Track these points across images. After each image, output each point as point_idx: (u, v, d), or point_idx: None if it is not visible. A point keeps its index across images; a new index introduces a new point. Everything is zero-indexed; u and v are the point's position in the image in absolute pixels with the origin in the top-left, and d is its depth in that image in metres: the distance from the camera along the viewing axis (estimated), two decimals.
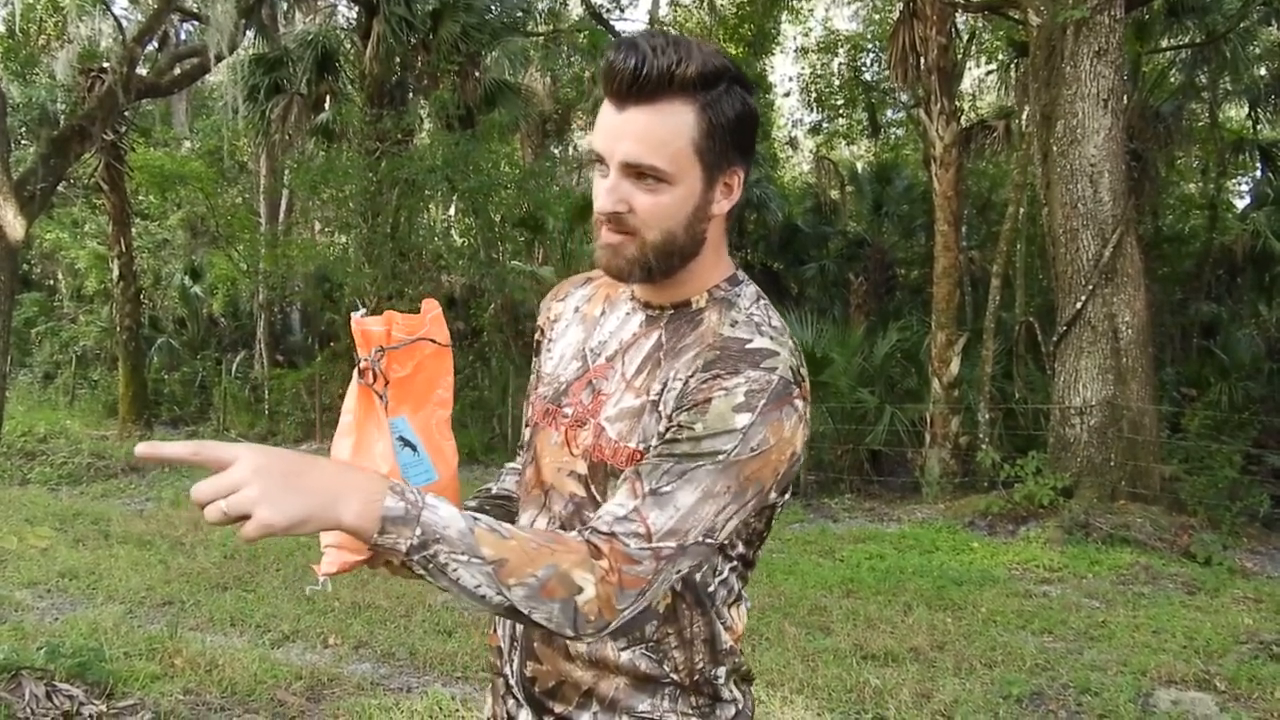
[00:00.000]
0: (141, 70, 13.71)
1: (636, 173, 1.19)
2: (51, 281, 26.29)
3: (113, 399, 16.92)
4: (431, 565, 1.05)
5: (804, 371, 1.22)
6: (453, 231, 19.36)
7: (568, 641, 1.25)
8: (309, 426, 15.24)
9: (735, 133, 1.22)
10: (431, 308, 1.32)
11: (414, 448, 1.28)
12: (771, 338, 1.22)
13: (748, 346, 1.20)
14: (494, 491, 1.53)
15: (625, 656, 1.26)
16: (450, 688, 4.47)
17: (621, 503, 1.15)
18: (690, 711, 1.28)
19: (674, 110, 1.18)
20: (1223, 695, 4.61)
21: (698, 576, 1.27)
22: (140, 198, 19.76)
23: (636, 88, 1.17)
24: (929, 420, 11.24)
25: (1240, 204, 18.96)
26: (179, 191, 18.87)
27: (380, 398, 1.23)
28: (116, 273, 15.57)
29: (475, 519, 1.09)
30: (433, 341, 1.30)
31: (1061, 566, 7.33)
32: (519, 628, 1.32)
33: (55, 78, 16.75)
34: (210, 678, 4.37)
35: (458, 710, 4.13)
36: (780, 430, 1.16)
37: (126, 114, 14.44)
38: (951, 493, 10.44)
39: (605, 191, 1.21)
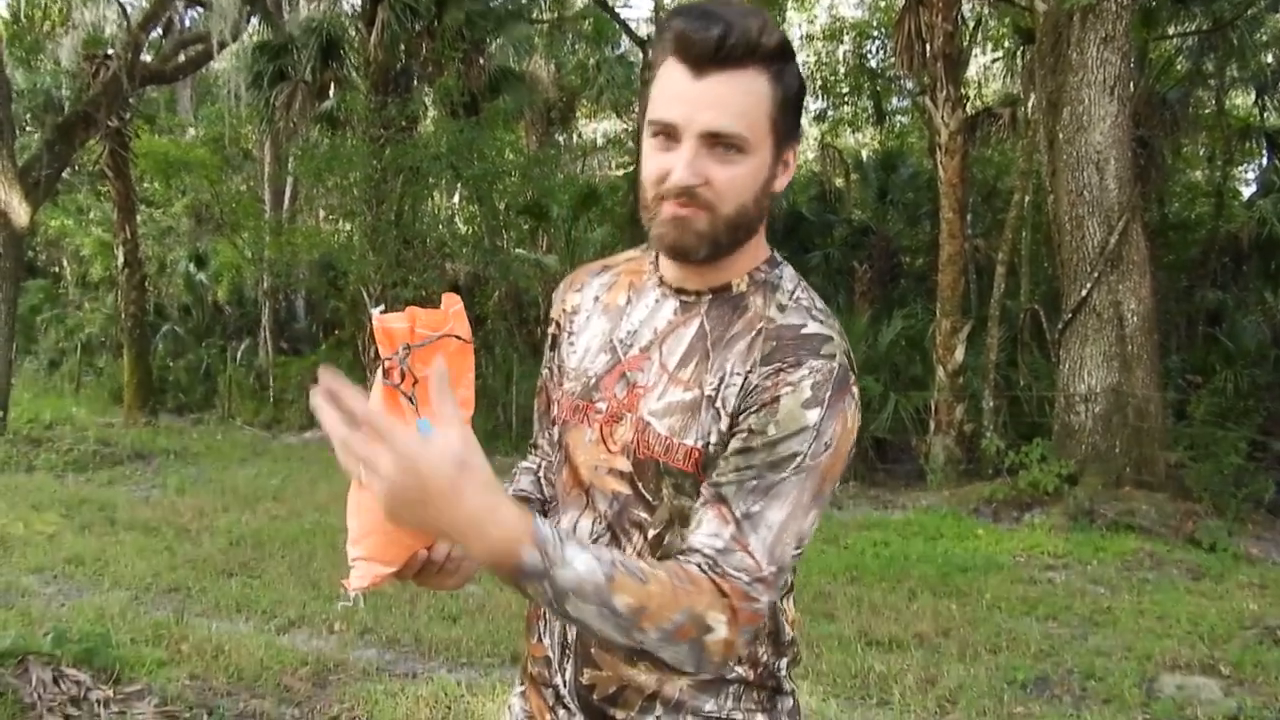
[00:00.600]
0: (146, 57, 13.72)
1: (715, 143, 1.15)
2: (56, 268, 26.34)
3: (118, 386, 16.95)
4: (560, 611, 1.04)
5: (852, 354, 1.21)
6: (457, 219, 19.37)
7: None
8: (313, 414, 15.24)
9: (798, 106, 1.21)
10: (453, 302, 1.23)
11: None
12: (822, 322, 1.20)
13: (803, 332, 1.18)
14: (511, 493, 1.44)
15: None
16: (455, 673, 4.49)
17: (716, 532, 1.12)
18: (754, 707, 1.27)
19: (754, 79, 1.15)
20: (1227, 680, 4.62)
21: None
22: (145, 185, 19.76)
23: (722, 55, 1.12)
24: (934, 408, 11.23)
25: (1247, 191, 18.90)
26: (184, 178, 18.88)
27: (409, 399, 1.16)
28: (122, 260, 15.59)
29: (614, 565, 1.05)
30: (457, 338, 1.22)
31: (1066, 553, 7.34)
32: (570, 635, 1.27)
33: (60, 64, 16.75)
34: (216, 663, 4.39)
35: (463, 695, 4.15)
36: (845, 420, 1.15)
37: (131, 101, 14.43)
38: (956, 480, 10.44)
39: (684, 164, 1.14)
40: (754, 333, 1.20)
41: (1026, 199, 12.21)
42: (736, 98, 1.14)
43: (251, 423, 15.41)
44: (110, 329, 19.89)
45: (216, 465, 10.94)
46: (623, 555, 1.11)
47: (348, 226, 18.19)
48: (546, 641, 1.32)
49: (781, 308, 1.22)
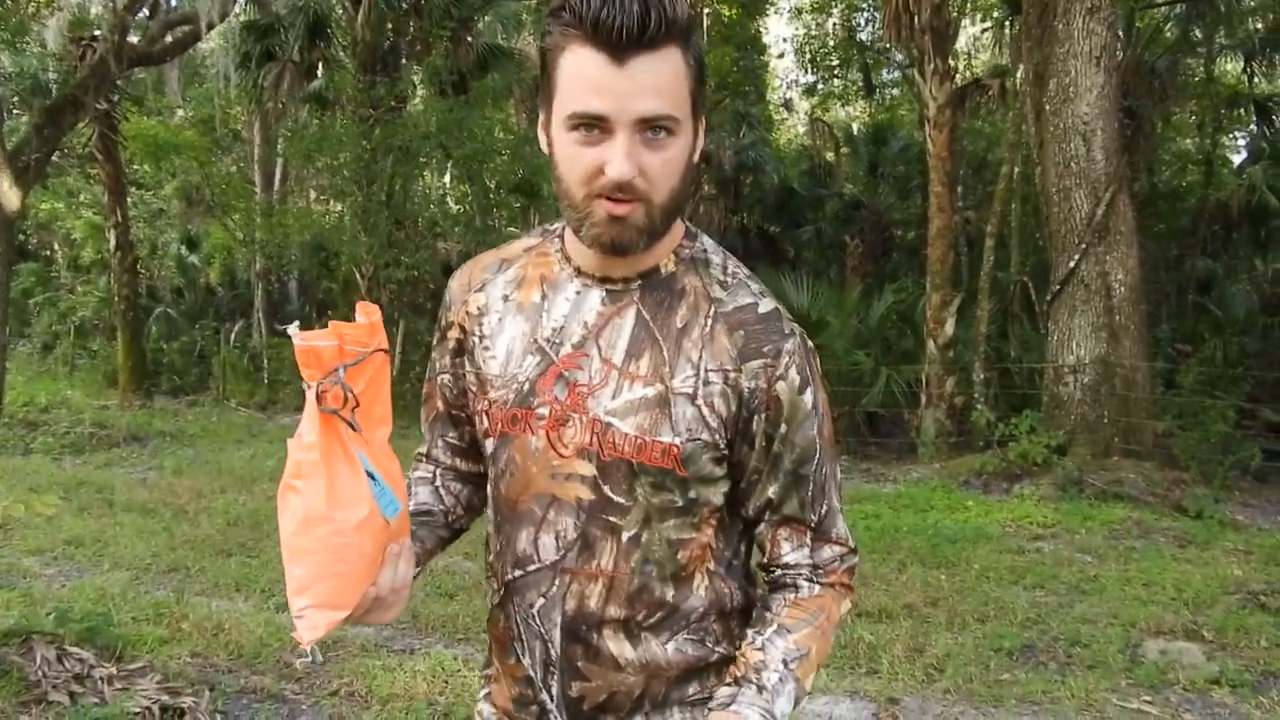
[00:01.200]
0: (133, 38, 13.64)
1: (644, 128, 1.08)
2: (48, 252, 26.27)
3: (112, 369, 16.97)
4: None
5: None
6: (448, 199, 19.34)
7: (614, 653, 1.22)
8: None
9: (705, 75, 1.16)
10: (372, 311, 1.10)
11: (374, 477, 1.08)
12: (760, 292, 1.22)
13: (760, 313, 1.20)
14: (412, 508, 1.33)
15: (672, 649, 1.24)
16: (452, 649, 4.57)
17: (802, 544, 1.27)
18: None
19: (673, 55, 1.09)
20: (1210, 645, 4.71)
21: (729, 550, 1.28)
22: (134, 167, 19.69)
23: (645, 37, 1.05)
24: (925, 381, 11.31)
25: (1237, 159, 18.92)
26: (173, 160, 18.80)
27: (351, 426, 1.06)
28: (114, 243, 15.57)
29: (788, 665, 1.21)
30: (383, 351, 1.11)
31: (1055, 523, 7.43)
32: (554, 653, 1.24)
33: (46, 46, 16.63)
34: (217, 641, 4.46)
35: (459, 670, 4.23)
36: (820, 378, 1.24)
37: (119, 83, 14.36)
38: (947, 452, 10.53)
39: (622, 156, 1.07)
40: (706, 318, 1.18)
41: (1016, 171, 12.23)
42: (664, 78, 1.08)
43: (246, 404, 15.43)
44: (103, 312, 19.87)
45: (212, 447, 10.99)
46: (785, 640, 1.22)
47: (339, 207, 18.16)
48: (527, 661, 1.27)
49: (723, 284, 1.21)
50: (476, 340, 1.28)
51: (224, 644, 4.42)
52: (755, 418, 1.18)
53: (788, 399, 1.18)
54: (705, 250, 1.24)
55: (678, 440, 1.16)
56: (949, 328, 11.26)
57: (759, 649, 1.21)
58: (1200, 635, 4.82)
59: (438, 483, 1.40)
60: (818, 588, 1.26)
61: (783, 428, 1.19)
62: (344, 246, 14.84)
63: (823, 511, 1.26)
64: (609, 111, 1.07)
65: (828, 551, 1.27)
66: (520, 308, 1.26)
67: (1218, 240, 16.96)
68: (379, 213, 14.36)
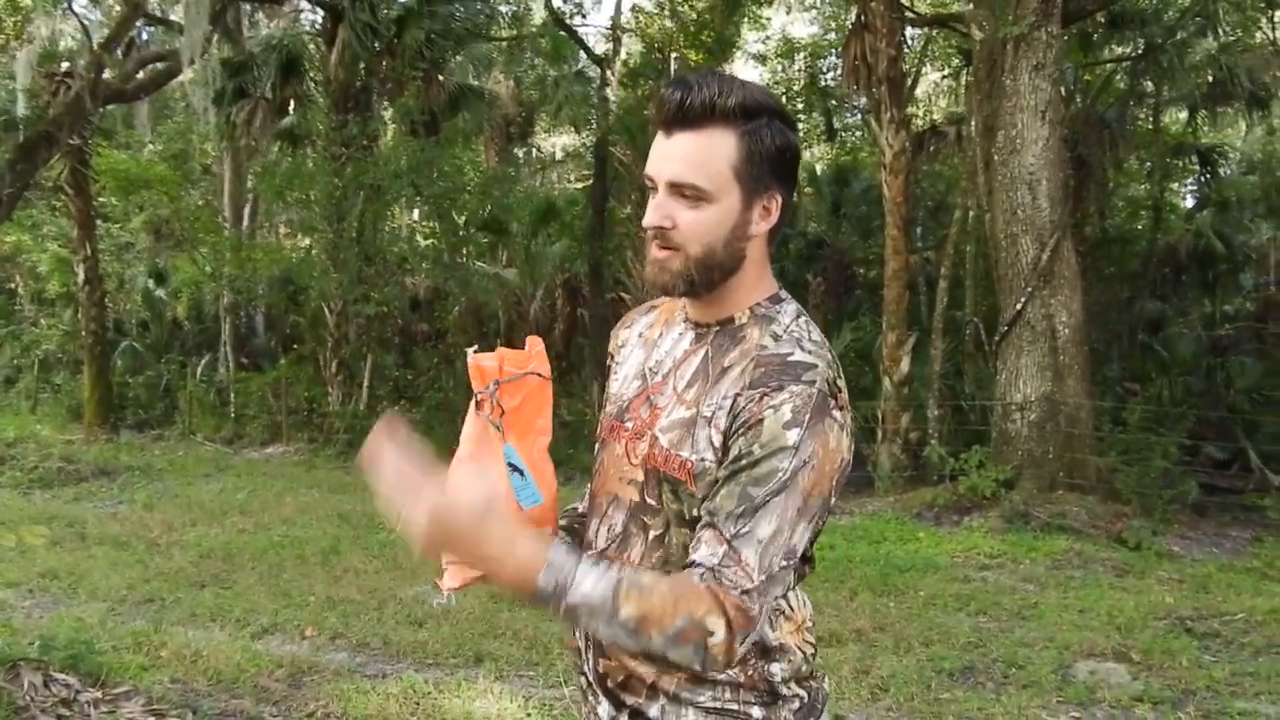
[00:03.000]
0: (106, 74, 13.84)
1: (681, 192, 1.33)
2: (11, 284, 26.10)
3: (76, 403, 16.94)
4: (573, 621, 1.27)
5: (841, 383, 1.33)
6: (417, 235, 19.55)
7: None
8: (275, 429, 15.39)
9: (774, 161, 1.36)
10: (536, 344, 1.43)
11: (521, 472, 1.39)
12: (810, 351, 1.33)
13: (789, 360, 1.32)
14: (580, 510, 1.61)
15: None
16: (423, 673, 4.77)
17: (713, 551, 1.25)
18: (753, 700, 1.38)
19: (716, 136, 1.32)
20: (1136, 665, 5.02)
21: None
22: (101, 200, 19.75)
23: (682, 115, 1.32)
24: (881, 417, 11.64)
25: (1188, 205, 19.57)
26: (142, 194, 18.88)
27: (496, 428, 1.37)
28: (82, 276, 15.61)
29: (620, 581, 1.23)
30: (539, 375, 1.42)
31: (1001, 553, 7.75)
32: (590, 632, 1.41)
33: (15, 79, 16.73)
34: (196, 667, 4.63)
35: (430, 693, 4.43)
36: (825, 442, 1.27)
37: (92, 119, 14.52)
38: (902, 486, 10.84)
39: (653, 208, 1.35)
40: (747, 360, 1.35)
41: (970, 215, 12.69)
42: (697, 152, 1.32)
43: (213, 438, 15.48)
44: (67, 345, 19.82)
45: (181, 480, 11.09)
46: (635, 572, 1.27)
47: (307, 242, 18.32)
48: (577, 634, 1.50)
49: (775, 337, 1.37)
50: (614, 366, 1.59)
51: (203, 670, 4.60)
52: (738, 436, 1.29)
53: (770, 427, 1.26)
54: (780, 311, 1.41)
55: (693, 457, 1.33)
56: (904, 365, 11.62)
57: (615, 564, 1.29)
58: (1128, 657, 5.13)
59: None
60: (703, 585, 1.24)
61: (755, 448, 1.26)
62: (314, 281, 15.00)
63: (745, 528, 1.24)
64: (652, 173, 1.37)
65: (731, 573, 1.24)
66: (645, 342, 1.54)
67: (1167, 283, 17.51)
68: (349, 249, 14.58)
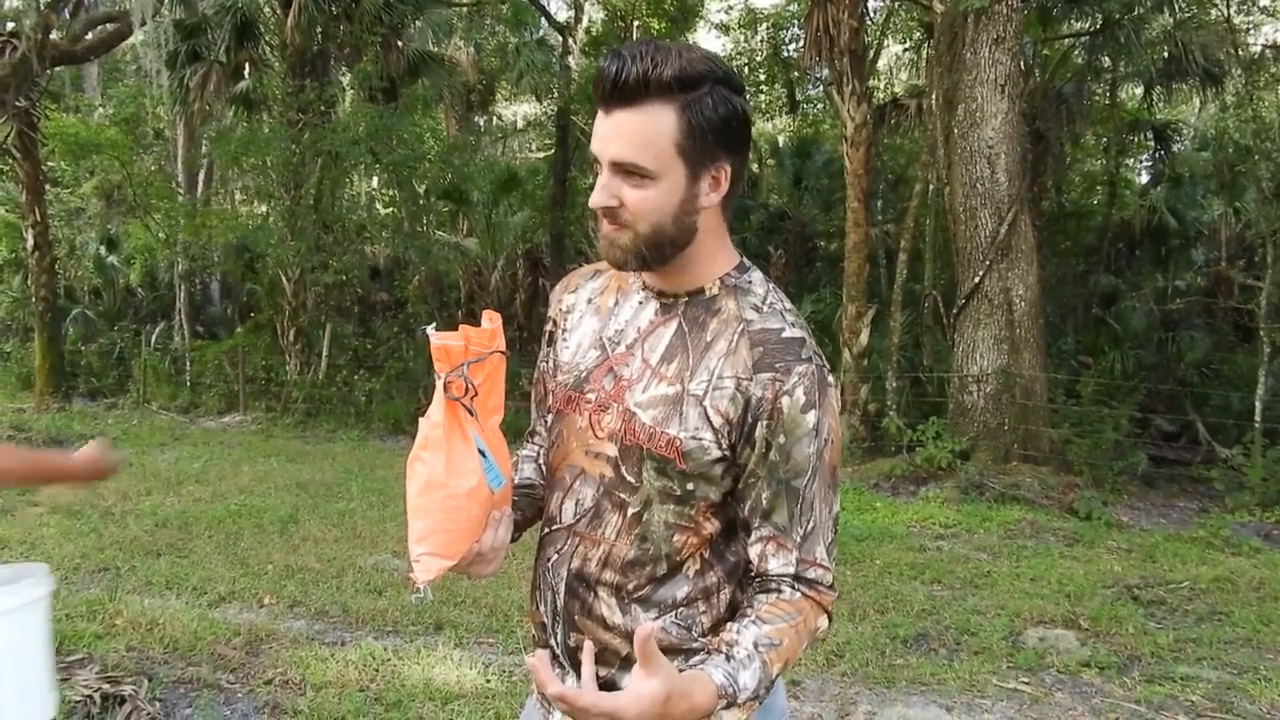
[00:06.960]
0: (54, 35, 13.49)
1: (624, 170, 1.30)
2: None
3: (27, 371, 16.62)
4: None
5: (820, 349, 1.37)
6: (377, 203, 19.35)
7: (604, 614, 1.40)
8: (232, 398, 15.20)
9: (719, 131, 1.31)
10: (495, 319, 1.38)
11: (484, 455, 1.36)
12: (793, 323, 1.36)
13: (784, 336, 1.34)
14: (518, 482, 1.58)
15: (658, 627, 1.36)
16: (382, 640, 4.77)
17: (787, 560, 1.34)
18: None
19: (655, 111, 1.27)
20: (1085, 632, 5.14)
21: (729, 551, 1.41)
22: (50, 164, 19.29)
23: (619, 92, 1.27)
24: (840, 389, 11.74)
25: (1143, 180, 19.81)
26: (93, 159, 18.48)
27: (470, 411, 1.33)
28: (31, 242, 15.24)
29: (765, 659, 1.28)
30: (501, 353, 1.38)
31: (956, 523, 7.88)
32: (560, 602, 1.44)
33: None
34: (152, 635, 4.61)
35: (389, 659, 4.44)
36: (834, 412, 1.34)
37: (39, 81, 14.16)
38: (861, 457, 10.95)
39: (599, 188, 1.32)
40: (733, 333, 1.35)
41: (930, 188, 12.78)
42: (637, 130, 1.28)
43: (168, 407, 15.26)
44: (16, 313, 19.43)
45: (135, 450, 10.92)
46: (761, 630, 1.30)
47: (264, 209, 18.04)
48: (542, 608, 1.48)
49: (757, 309, 1.37)
50: (559, 332, 1.55)
51: (159, 638, 4.57)
52: (759, 424, 1.31)
53: (789, 413, 1.30)
54: (750, 282, 1.42)
55: (682, 434, 1.33)
56: (864, 338, 11.70)
57: (734, 633, 1.31)
58: (1077, 624, 5.26)
59: (539, 459, 1.63)
60: (799, 595, 1.34)
61: (781, 438, 1.30)
62: (270, 249, 14.78)
63: (808, 527, 1.34)
64: (596, 152, 1.33)
65: (812, 573, 1.34)
66: (597, 310, 1.51)
67: (1121, 258, 17.77)
68: (307, 216, 14.37)
